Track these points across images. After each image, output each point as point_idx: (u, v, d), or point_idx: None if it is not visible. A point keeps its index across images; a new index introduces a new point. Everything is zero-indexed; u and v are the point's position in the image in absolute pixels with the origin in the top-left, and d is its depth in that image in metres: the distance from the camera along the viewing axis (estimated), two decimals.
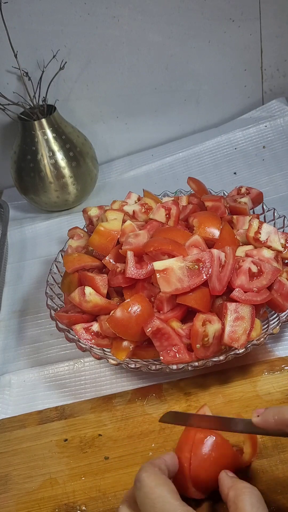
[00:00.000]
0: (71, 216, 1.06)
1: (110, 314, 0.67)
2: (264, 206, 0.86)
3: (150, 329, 0.65)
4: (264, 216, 0.85)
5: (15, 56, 0.95)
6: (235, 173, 1.07)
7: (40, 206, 1.07)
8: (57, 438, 0.68)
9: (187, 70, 1.10)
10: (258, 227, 0.75)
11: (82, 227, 0.89)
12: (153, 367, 0.66)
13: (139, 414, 0.68)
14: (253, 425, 0.52)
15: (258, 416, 0.52)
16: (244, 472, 0.59)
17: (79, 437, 0.68)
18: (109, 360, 0.67)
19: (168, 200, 0.85)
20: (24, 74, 1.00)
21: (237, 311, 0.66)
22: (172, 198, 0.88)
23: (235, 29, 1.06)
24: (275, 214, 0.84)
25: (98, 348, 0.70)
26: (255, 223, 0.75)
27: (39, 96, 1.02)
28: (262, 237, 0.74)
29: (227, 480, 0.52)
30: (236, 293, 0.67)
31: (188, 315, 0.69)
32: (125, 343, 0.68)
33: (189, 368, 0.65)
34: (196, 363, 0.65)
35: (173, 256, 0.69)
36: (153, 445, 0.65)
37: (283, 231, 0.80)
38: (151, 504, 0.47)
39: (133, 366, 0.66)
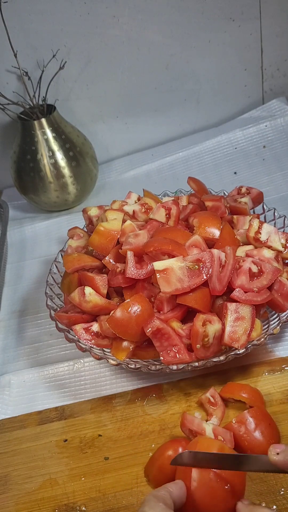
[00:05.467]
0: (71, 216, 1.06)
1: (110, 314, 0.67)
2: (265, 206, 0.86)
3: (150, 329, 0.65)
4: (265, 216, 0.85)
5: (15, 55, 0.95)
6: (235, 173, 1.07)
7: (40, 206, 1.07)
8: (57, 439, 0.68)
9: (187, 70, 1.10)
10: (259, 227, 0.75)
11: (82, 227, 0.89)
12: (153, 368, 0.66)
13: (139, 415, 0.68)
14: (271, 463, 0.47)
15: (277, 453, 0.46)
16: None
17: (79, 438, 0.68)
18: (109, 360, 0.67)
19: (168, 200, 0.85)
20: (24, 73, 1.00)
21: (238, 311, 0.66)
22: (172, 198, 0.88)
23: (235, 28, 1.06)
24: (276, 214, 0.84)
25: (98, 348, 0.70)
26: (256, 223, 0.75)
27: (39, 96, 1.02)
28: (263, 237, 0.74)
29: (245, 509, 0.49)
30: (236, 293, 0.67)
31: (188, 315, 0.69)
32: (125, 343, 0.68)
33: (189, 368, 0.65)
34: (196, 364, 0.65)
35: (173, 256, 0.69)
36: (153, 445, 0.64)
37: (284, 231, 0.80)
38: None
39: (133, 366, 0.66)
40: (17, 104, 1.00)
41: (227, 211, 0.82)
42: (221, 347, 0.67)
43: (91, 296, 0.71)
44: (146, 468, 0.62)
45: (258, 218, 0.81)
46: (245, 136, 1.13)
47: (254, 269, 0.69)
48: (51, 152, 1.00)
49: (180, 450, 0.58)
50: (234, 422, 0.61)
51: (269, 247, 0.73)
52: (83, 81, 1.07)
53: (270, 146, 1.10)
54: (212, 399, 0.66)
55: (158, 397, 0.70)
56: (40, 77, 1.01)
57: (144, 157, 1.16)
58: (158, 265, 0.67)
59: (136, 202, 0.86)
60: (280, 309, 0.70)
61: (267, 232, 0.74)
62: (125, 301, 0.68)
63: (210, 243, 0.73)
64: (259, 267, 0.69)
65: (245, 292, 0.67)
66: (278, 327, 0.67)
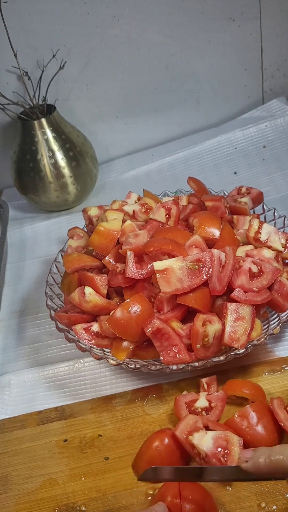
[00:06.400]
0: (71, 216, 1.06)
1: (110, 314, 0.67)
2: (265, 206, 0.86)
3: (150, 329, 0.65)
4: (265, 216, 0.85)
5: (15, 55, 0.95)
6: (235, 172, 1.07)
7: (40, 206, 1.07)
8: (57, 439, 0.68)
9: (187, 70, 1.10)
10: (259, 227, 0.75)
11: (82, 227, 0.89)
12: (153, 368, 0.66)
13: (139, 415, 0.68)
14: (242, 471, 0.47)
15: (246, 461, 0.46)
16: None
17: (79, 438, 0.67)
18: (109, 360, 0.67)
19: (168, 200, 0.85)
20: (24, 73, 1.00)
21: (238, 311, 0.66)
22: (172, 198, 0.88)
23: (235, 28, 1.06)
24: (276, 214, 0.84)
25: (98, 348, 0.70)
26: (256, 223, 0.75)
27: (39, 96, 1.02)
28: (263, 237, 0.74)
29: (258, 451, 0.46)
30: (236, 293, 0.67)
31: (188, 315, 0.69)
32: (125, 343, 0.68)
33: (189, 368, 0.65)
34: (196, 364, 0.65)
35: (173, 256, 0.69)
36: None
37: (284, 231, 0.80)
38: None
39: (133, 366, 0.66)
40: (17, 104, 1.00)
41: (227, 211, 0.82)
42: (221, 347, 0.67)
43: (91, 296, 0.71)
44: (135, 463, 0.63)
45: (258, 218, 0.81)
46: (245, 136, 1.13)
47: (254, 269, 0.69)
48: (51, 152, 1.00)
49: (166, 440, 0.60)
50: (236, 416, 0.61)
51: (269, 247, 0.73)
52: (83, 81, 1.07)
53: (270, 146, 1.10)
54: (205, 386, 0.68)
55: (158, 397, 0.70)
56: (40, 77, 1.01)
57: (144, 157, 1.16)
58: (158, 265, 0.67)
59: (136, 202, 0.86)
60: (280, 309, 0.70)
61: (267, 232, 0.74)
62: (125, 301, 0.68)
63: (210, 243, 0.73)
64: (259, 267, 0.69)
65: (245, 292, 0.67)
66: (278, 327, 0.67)
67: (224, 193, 0.90)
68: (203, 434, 0.59)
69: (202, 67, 1.10)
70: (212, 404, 0.65)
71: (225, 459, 0.57)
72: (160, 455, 0.60)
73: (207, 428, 0.61)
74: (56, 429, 0.69)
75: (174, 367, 0.65)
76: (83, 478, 0.63)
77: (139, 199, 0.88)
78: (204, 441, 0.58)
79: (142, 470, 0.61)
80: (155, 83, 1.11)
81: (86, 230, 0.88)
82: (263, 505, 0.57)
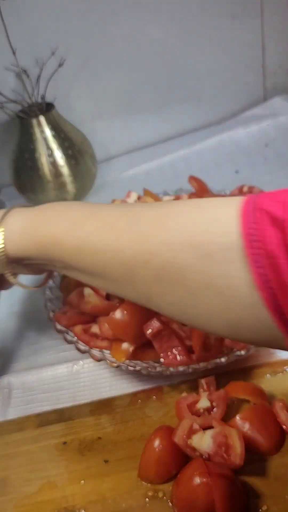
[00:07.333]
0: None
1: (110, 316, 0.66)
2: None
3: (150, 330, 0.64)
4: None
5: (14, 53, 0.94)
6: (237, 171, 1.06)
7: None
8: (56, 441, 0.67)
9: (188, 67, 1.09)
10: None
11: None
12: (153, 369, 0.65)
13: (139, 417, 0.68)
14: None
15: None
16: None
17: (78, 440, 0.67)
18: (109, 362, 0.67)
19: (168, 199, 0.84)
20: (23, 71, 0.99)
21: None
22: (173, 197, 0.87)
23: (236, 25, 1.05)
24: None
25: (98, 350, 0.70)
26: None
27: (37, 94, 1.01)
28: None
29: None
30: None
31: None
32: (124, 345, 0.67)
33: (190, 370, 0.64)
34: (197, 365, 0.64)
35: None
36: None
37: None
38: None
39: (133, 368, 0.66)
40: (16, 102, 0.99)
41: None
42: (222, 349, 0.66)
43: (90, 297, 0.70)
44: (143, 470, 0.61)
45: None
46: (247, 134, 1.12)
47: None
48: (50, 150, 0.99)
49: (165, 437, 0.60)
50: (238, 419, 0.61)
51: None
52: (82, 78, 1.07)
53: (273, 144, 1.10)
54: (205, 386, 0.67)
55: (159, 399, 0.69)
56: (39, 75, 1.00)
57: (144, 155, 1.15)
58: None
59: (136, 201, 0.85)
60: None
61: None
62: (124, 302, 0.67)
63: None
64: None
65: None
66: None
67: (225, 192, 0.89)
68: (201, 435, 0.59)
69: (203, 65, 1.10)
70: (214, 403, 0.64)
71: (228, 453, 0.57)
72: (167, 452, 0.59)
73: (205, 428, 0.60)
74: (55, 431, 0.68)
75: (175, 369, 0.64)
76: (82, 481, 0.63)
77: (139, 198, 0.87)
78: (204, 441, 0.58)
79: (153, 475, 0.60)
80: (155, 81, 1.10)
81: None
82: (265, 508, 0.56)
